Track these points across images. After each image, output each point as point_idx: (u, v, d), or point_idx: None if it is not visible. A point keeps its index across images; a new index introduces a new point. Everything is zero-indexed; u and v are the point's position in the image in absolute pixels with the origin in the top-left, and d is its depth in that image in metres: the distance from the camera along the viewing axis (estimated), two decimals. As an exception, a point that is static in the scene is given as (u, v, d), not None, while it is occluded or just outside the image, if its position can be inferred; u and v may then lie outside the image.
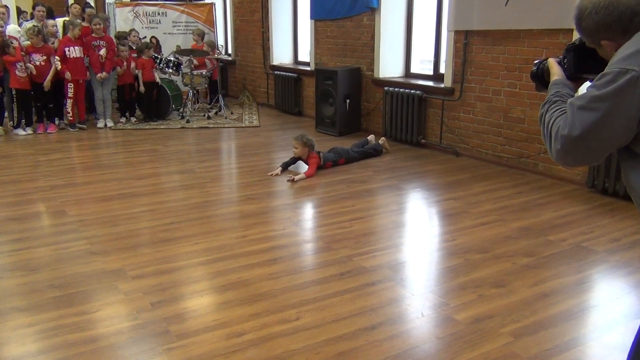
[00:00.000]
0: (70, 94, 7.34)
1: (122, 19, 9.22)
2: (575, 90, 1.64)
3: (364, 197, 4.68)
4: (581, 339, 2.60)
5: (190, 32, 9.58)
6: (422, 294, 3.03)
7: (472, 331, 2.63)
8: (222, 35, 10.98)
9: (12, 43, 6.93)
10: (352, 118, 7.23)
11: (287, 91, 8.69)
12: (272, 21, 9.01)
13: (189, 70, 8.20)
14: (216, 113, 8.49)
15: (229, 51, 10.68)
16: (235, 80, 10.51)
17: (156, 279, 3.18)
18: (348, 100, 7.06)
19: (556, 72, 1.67)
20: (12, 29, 7.69)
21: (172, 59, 8.29)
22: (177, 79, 8.59)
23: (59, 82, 7.31)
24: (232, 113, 8.67)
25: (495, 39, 5.44)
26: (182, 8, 9.62)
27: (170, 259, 3.46)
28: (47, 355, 2.45)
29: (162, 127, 7.79)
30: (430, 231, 4.10)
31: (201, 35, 8.88)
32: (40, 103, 7.33)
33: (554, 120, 1.49)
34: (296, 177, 5.13)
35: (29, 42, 7.27)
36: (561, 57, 1.70)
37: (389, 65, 6.96)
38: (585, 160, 1.48)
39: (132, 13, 9.33)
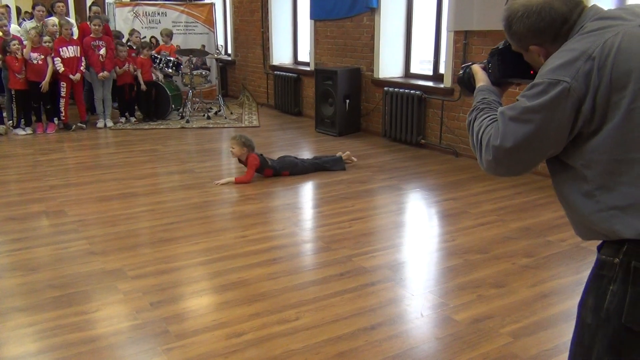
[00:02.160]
0: (62, 93, 7.33)
1: (122, 19, 9.22)
2: (501, 95, 1.62)
3: (364, 197, 4.68)
4: (580, 339, 2.60)
5: (191, 32, 9.59)
6: (421, 294, 3.03)
7: (472, 331, 2.63)
8: (222, 36, 10.98)
9: (13, 43, 6.93)
10: (352, 118, 7.23)
11: (286, 91, 8.69)
12: (271, 21, 9.01)
13: (189, 70, 8.20)
14: (216, 113, 8.49)
15: (229, 51, 10.67)
16: (235, 80, 10.51)
17: (156, 279, 3.18)
18: (348, 101, 7.06)
19: (481, 77, 1.64)
20: (12, 29, 7.69)
21: (171, 58, 8.29)
22: (176, 79, 8.58)
23: (56, 82, 7.30)
24: (231, 113, 8.66)
25: (495, 39, 5.44)
26: (181, 8, 9.62)
27: (170, 259, 3.46)
28: (47, 355, 2.45)
29: (161, 127, 7.79)
30: (429, 231, 4.10)
31: (169, 35, 8.79)
32: (37, 104, 7.32)
33: (484, 130, 1.46)
34: (222, 181, 4.99)
35: (29, 42, 7.28)
36: (485, 61, 1.67)
37: (388, 66, 6.96)
38: (516, 171, 1.46)
39: (132, 13, 9.32)
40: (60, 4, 8.19)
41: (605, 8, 1.44)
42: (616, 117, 1.27)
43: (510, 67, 1.60)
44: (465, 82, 1.73)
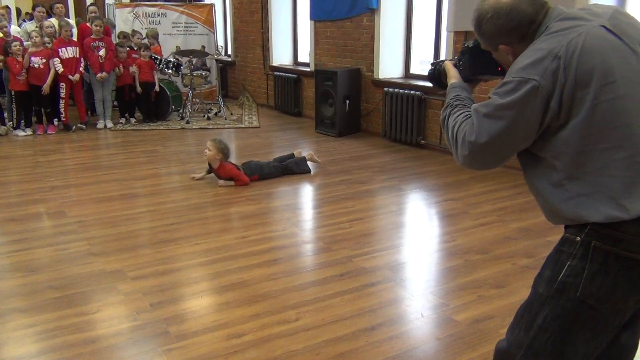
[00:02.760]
0: (62, 94, 7.33)
1: (122, 20, 9.22)
2: (471, 91, 1.69)
3: (364, 197, 4.68)
4: (581, 339, 2.60)
5: (191, 33, 9.58)
6: (421, 294, 3.03)
7: (472, 332, 2.63)
8: (222, 36, 10.98)
9: (14, 45, 6.94)
10: (352, 119, 7.23)
11: (286, 92, 8.69)
12: (271, 22, 9.02)
13: (189, 71, 8.21)
14: (216, 114, 8.49)
15: (229, 52, 10.68)
16: (235, 81, 10.51)
17: (156, 279, 3.18)
18: (348, 101, 7.06)
19: (453, 74, 1.72)
20: (13, 30, 7.69)
21: (171, 59, 8.29)
22: (176, 79, 8.59)
23: (55, 83, 7.29)
24: (231, 114, 8.67)
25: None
26: (181, 9, 9.62)
27: (170, 259, 3.46)
28: (47, 356, 2.45)
29: (161, 128, 7.79)
30: (429, 232, 4.10)
31: (155, 36, 8.73)
32: (38, 107, 7.32)
33: (459, 126, 1.54)
34: (224, 183, 4.95)
35: (30, 43, 7.29)
36: (457, 59, 1.73)
37: (388, 66, 6.96)
38: (490, 164, 1.56)
39: (132, 14, 9.32)
40: (59, 5, 8.20)
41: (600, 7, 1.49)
42: (581, 112, 1.36)
43: (480, 64, 1.66)
44: (436, 78, 1.80)
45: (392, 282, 3.15)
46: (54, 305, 2.89)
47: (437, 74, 1.79)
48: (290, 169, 5.32)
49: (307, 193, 5.05)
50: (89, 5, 8.68)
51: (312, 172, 5.38)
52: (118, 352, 2.50)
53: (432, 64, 1.83)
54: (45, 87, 7.13)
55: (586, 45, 1.36)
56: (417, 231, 4.11)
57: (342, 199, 4.62)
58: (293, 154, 5.55)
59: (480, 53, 1.63)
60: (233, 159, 5.45)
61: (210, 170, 5.05)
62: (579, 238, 1.41)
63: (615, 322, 1.45)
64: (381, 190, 4.91)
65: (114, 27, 8.80)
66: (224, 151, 4.96)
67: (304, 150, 5.73)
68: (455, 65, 1.72)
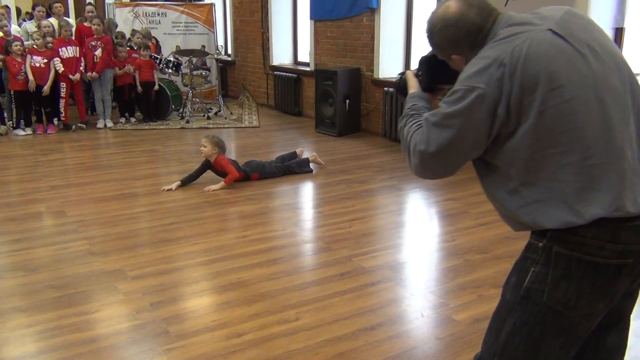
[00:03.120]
0: (62, 94, 7.33)
1: (121, 19, 9.22)
2: (431, 101, 1.69)
3: (364, 197, 4.68)
4: (581, 339, 2.60)
5: (191, 32, 9.58)
6: (421, 294, 3.03)
7: (472, 331, 2.63)
8: (222, 36, 10.98)
9: (15, 44, 6.94)
10: (352, 118, 7.23)
11: (286, 91, 8.69)
12: (271, 21, 9.01)
13: (189, 70, 8.20)
14: (216, 113, 8.49)
15: (229, 51, 10.68)
16: (235, 80, 10.51)
17: (156, 279, 3.18)
18: (348, 101, 7.06)
19: (413, 85, 1.73)
20: (13, 29, 7.69)
21: (171, 59, 8.29)
22: (176, 79, 8.58)
23: (55, 83, 7.29)
24: (231, 113, 8.66)
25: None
26: (181, 8, 9.62)
27: (170, 259, 3.46)
28: (47, 356, 2.45)
29: (161, 127, 7.78)
30: (429, 231, 4.10)
31: (148, 36, 8.62)
32: (38, 107, 7.32)
33: (412, 135, 1.54)
34: (215, 187, 4.84)
35: (30, 43, 7.28)
36: (417, 69, 1.75)
37: (388, 66, 6.95)
38: (441, 174, 1.56)
39: (132, 13, 9.32)
40: (58, 5, 8.19)
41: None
42: (530, 118, 1.36)
43: (438, 74, 1.67)
44: (401, 88, 1.80)
45: (392, 282, 3.15)
46: (54, 304, 2.89)
47: (402, 83, 1.80)
48: (293, 169, 5.32)
49: (307, 192, 5.05)
50: (86, 5, 8.67)
51: (313, 172, 5.38)
52: (118, 351, 2.50)
53: (399, 74, 1.84)
54: (46, 89, 7.13)
55: (531, 51, 1.36)
56: (417, 231, 4.11)
57: (342, 199, 4.62)
58: (295, 153, 5.55)
59: (438, 62, 1.64)
60: (233, 158, 5.44)
61: (190, 178, 5.00)
62: (541, 244, 1.40)
63: (586, 326, 1.43)
64: (381, 190, 4.91)
65: (117, 26, 8.80)
66: (219, 144, 4.96)
67: (307, 151, 5.73)
68: (416, 75, 1.74)
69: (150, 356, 2.45)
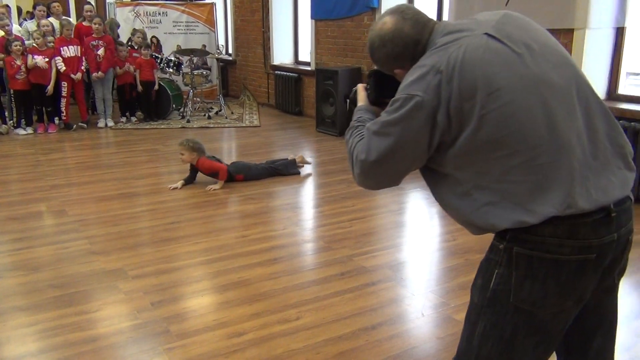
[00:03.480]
0: (63, 93, 7.33)
1: (122, 19, 9.22)
2: (378, 114, 1.68)
3: (364, 196, 4.68)
4: (581, 339, 2.60)
5: (191, 32, 9.58)
6: (422, 294, 3.03)
7: (473, 331, 2.62)
8: (223, 35, 10.99)
9: (15, 44, 6.94)
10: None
11: (287, 91, 8.69)
12: (272, 21, 9.01)
13: (190, 70, 8.20)
14: (217, 113, 8.49)
15: (230, 51, 10.68)
16: (235, 80, 10.51)
17: (156, 278, 3.19)
18: (348, 101, 7.05)
19: (361, 98, 1.74)
20: (14, 29, 7.69)
21: (172, 58, 8.29)
22: (177, 78, 8.59)
23: (57, 82, 7.30)
24: (232, 113, 8.67)
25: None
26: (182, 8, 9.63)
27: (171, 258, 3.46)
28: (48, 355, 2.45)
29: (162, 126, 7.79)
30: (430, 231, 4.10)
31: (143, 35, 8.62)
32: (39, 106, 7.33)
33: (355, 146, 1.54)
34: (214, 187, 4.85)
35: (31, 42, 7.29)
36: (366, 82, 1.76)
37: (389, 65, 6.94)
38: (384, 183, 1.55)
39: (133, 13, 9.33)
40: (56, 4, 8.19)
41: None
42: (472, 123, 1.35)
43: (385, 87, 1.67)
44: (354, 101, 1.81)
45: (393, 281, 3.15)
46: (55, 303, 2.89)
47: (354, 97, 1.81)
48: (279, 170, 5.27)
49: (307, 192, 5.05)
50: (85, 4, 8.67)
51: (301, 174, 5.34)
52: (119, 350, 2.50)
53: (353, 89, 1.85)
54: (50, 88, 7.14)
55: (467, 57, 1.36)
56: (418, 230, 4.11)
57: (343, 198, 4.62)
58: (287, 159, 5.48)
59: (384, 76, 1.65)
60: (233, 158, 5.46)
61: (190, 178, 5.01)
62: (502, 245, 1.39)
63: (558, 324, 1.42)
64: (381, 190, 4.91)
65: (119, 26, 8.80)
66: (195, 148, 4.93)
67: (307, 152, 5.73)
68: (365, 89, 1.75)
69: (151, 355, 2.46)
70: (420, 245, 3.76)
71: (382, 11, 6.89)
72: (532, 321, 1.40)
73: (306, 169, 5.42)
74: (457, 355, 1.58)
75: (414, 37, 1.49)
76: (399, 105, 1.41)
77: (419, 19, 1.51)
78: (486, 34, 1.40)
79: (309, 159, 5.67)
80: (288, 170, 5.31)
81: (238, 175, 5.07)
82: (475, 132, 1.35)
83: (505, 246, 1.39)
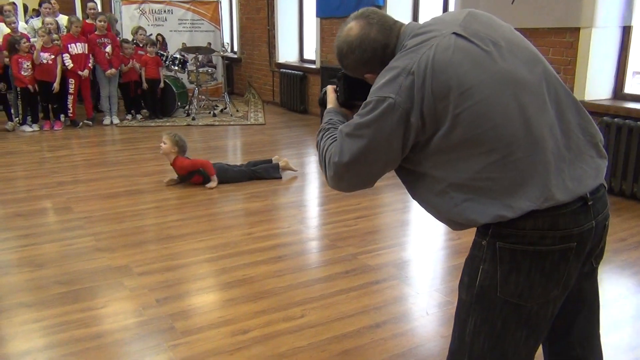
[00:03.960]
0: (71, 90, 7.36)
1: (128, 17, 9.24)
2: (348, 117, 1.69)
3: (369, 195, 4.67)
4: (586, 338, 2.59)
5: (197, 30, 9.59)
6: (427, 292, 3.03)
7: (477, 330, 2.62)
8: (228, 33, 10.99)
9: (23, 41, 6.97)
10: (358, 116, 7.22)
11: (292, 89, 8.69)
12: (277, 19, 9.01)
13: (195, 67, 8.22)
14: (222, 111, 8.50)
15: (235, 49, 10.69)
16: (240, 78, 10.52)
17: (162, 275, 3.19)
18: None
19: (331, 100, 1.75)
20: (20, 26, 7.72)
21: (177, 56, 8.30)
22: (182, 76, 8.60)
23: (63, 80, 7.33)
24: (237, 110, 8.68)
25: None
26: (187, 5, 9.64)
27: (176, 255, 3.47)
28: (54, 351, 2.46)
29: (167, 124, 7.80)
30: (435, 229, 4.09)
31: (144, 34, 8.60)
32: (45, 103, 7.36)
33: (327, 148, 1.55)
34: (211, 185, 4.84)
35: (37, 39, 7.31)
36: (336, 84, 1.75)
37: (394, 64, 6.94)
38: (357, 185, 1.56)
39: (138, 10, 9.34)
40: (53, 3, 8.23)
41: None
42: (446, 123, 1.36)
43: (355, 90, 1.67)
44: (324, 103, 1.80)
45: (397, 280, 3.15)
46: (60, 300, 2.90)
47: (324, 98, 1.80)
48: (260, 174, 5.09)
49: (312, 190, 5.05)
50: (88, 2, 8.69)
51: (282, 179, 5.16)
52: (124, 347, 2.51)
53: (322, 90, 1.84)
54: (56, 86, 7.17)
55: (437, 58, 1.37)
56: (423, 229, 4.10)
57: (347, 197, 4.62)
58: (271, 160, 5.31)
59: (353, 79, 1.65)
60: (238, 156, 5.46)
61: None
62: (484, 241, 1.41)
63: (547, 314, 1.44)
64: (386, 188, 4.91)
65: (116, 21, 8.81)
66: (179, 144, 4.88)
67: (303, 151, 5.72)
68: (335, 91, 1.75)
69: (156, 352, 2.46)
70: (425, 243, 3.76)
71: (388, 9, 6.91)
72: (521, 313, 1.41)
73: (289, 174, 5.27)
74: (450, 355, 1.58)
75: (382, 42, 1.50)
76: (372, 108, 1.41)
77: (384, 23, 1.51)
78: (454, 33, 1.41)
79: (294, 165, 5.39)
80: (269, 174, 5.12)
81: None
82: (450, 131, 1.36)
83: (488, 242, 1.40)
